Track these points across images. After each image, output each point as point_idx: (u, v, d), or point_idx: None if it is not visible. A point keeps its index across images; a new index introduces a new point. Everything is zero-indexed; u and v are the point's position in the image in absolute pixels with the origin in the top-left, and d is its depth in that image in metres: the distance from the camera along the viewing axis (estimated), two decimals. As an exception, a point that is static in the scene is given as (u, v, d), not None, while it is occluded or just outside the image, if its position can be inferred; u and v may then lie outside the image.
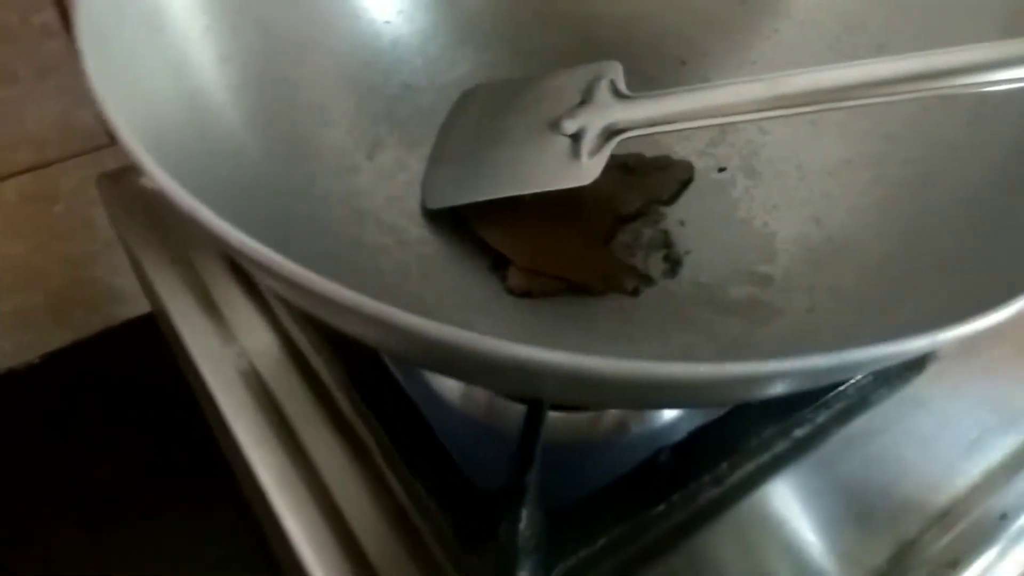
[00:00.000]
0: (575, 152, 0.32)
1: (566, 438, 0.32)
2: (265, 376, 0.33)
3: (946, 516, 0.30)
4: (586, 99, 0.33)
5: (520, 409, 0.28)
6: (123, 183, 0.41)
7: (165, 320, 0.37)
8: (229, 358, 0.33)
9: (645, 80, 0.40)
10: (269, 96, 0.33)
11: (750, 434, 0.31)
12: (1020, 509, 0.30)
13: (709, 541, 0.29)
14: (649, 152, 0.38)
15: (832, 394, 0.32)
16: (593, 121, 0.32)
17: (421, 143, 0.38)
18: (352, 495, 0.29)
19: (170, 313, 0.35)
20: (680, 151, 0.38)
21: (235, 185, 0.28)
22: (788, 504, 0.30)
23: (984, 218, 0.27)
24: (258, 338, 0.34)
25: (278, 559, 0.40)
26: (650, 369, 0.15)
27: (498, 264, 0.34)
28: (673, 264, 0.34)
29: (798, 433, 0.32)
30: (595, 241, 0.35)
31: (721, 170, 0.37)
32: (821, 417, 0.32)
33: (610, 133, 0.31)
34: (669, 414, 0.33)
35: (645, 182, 0.37)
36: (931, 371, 0.34)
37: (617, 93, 0.33)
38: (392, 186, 0.36)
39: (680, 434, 0.30)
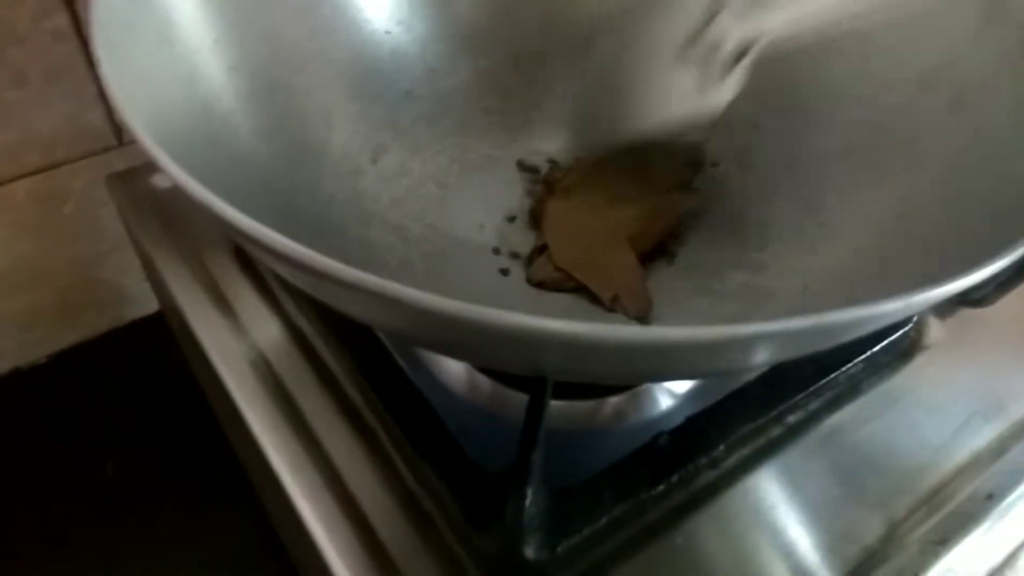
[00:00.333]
0: (705, 76, 0.30)
1: (569, 425, 0.33)
2: (276, 367, 0.34)
3: (935, 497, 0.31)
4: (711, 17, 0.30)
5: (523, 397, 0.29)
6: (133, 182, 0.42)
7: (176, 316, 0.38)
8: (241, 351, 0.34)
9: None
10: (276, 104, 0.34)
11: (745, 420, 0.32)
12: (1006, 489, 0.31)
13: (706, 520, 0.30)
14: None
15: (823, 382, 0.33)
16: (727, 36, 0.29)
17: (423, 148, 0.39)
18: (363, 480, 0.30)
19: (182, 309, 0.36)
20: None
21: (245, 187, 0.29)
22: (782, 486, 0.31)
23: (965, 195, 0.28)
24: (268, 331, 0.35)
25: (288, 550, 0.40)
26: (643, 334, 0.16)
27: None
28: (671, 255, 0.35)
29: (791, 419, 0.33)
30: (628, 250, 0.35)
31: (714, 165, 0.38)
32: (813, 404, 0.33)
33: (744, 47, 0.29)
34: (667, 401, 0.34)
35: (658, 168, 0.38)
36: (919, 360, 0.36)
37: (743, 8, 0.30)
38: (396, 188, 0.37)
39: (678, 420, 0.31)
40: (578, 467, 0.30)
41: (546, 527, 0.27)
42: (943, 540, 0.30)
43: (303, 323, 0.35)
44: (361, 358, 0.33)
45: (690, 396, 0.34)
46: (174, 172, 0.20)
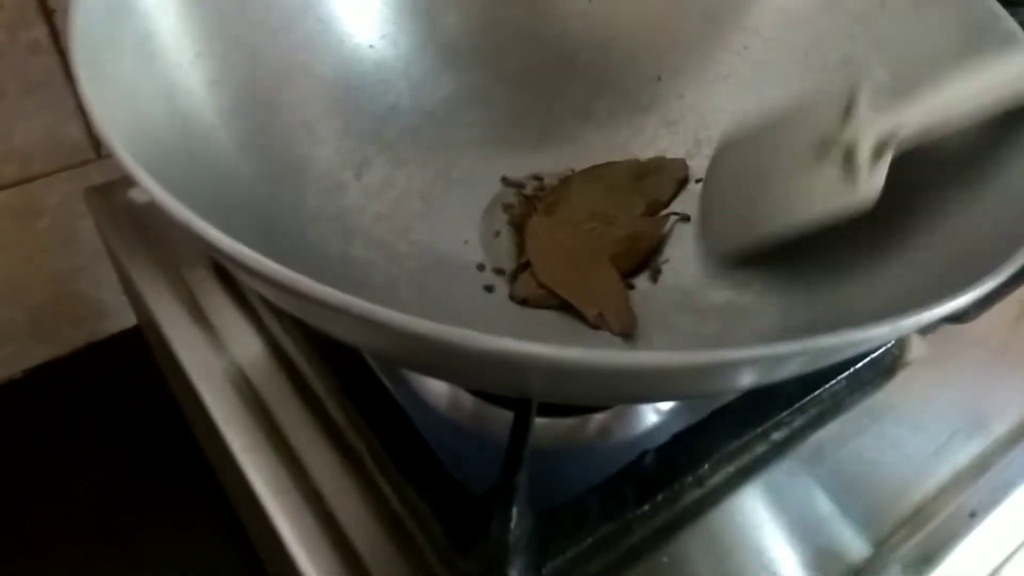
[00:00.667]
0: (849, 172, 0.30)
1: (553, 443, 0.33)
2: (256, 384, 0.33)
3: (918, 515, 0.31)
4: (845, 119, 0.31)
5: (507, 415, 0.29)
6: (112, 196, 0.41)
7: (154, 331, 0.37)
8: (220, 367, 0.34)
9: (624, 97, 0.41)
10: (258, 119, 0.34)
11: (730, 437, 0.32)
12: (988, 507, 0.31)
13: (691, 540, 0.29)
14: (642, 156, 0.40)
15: (808, 399, 0.33)
16: (863, 136, 0.30)
17: (408, 162, 0.39)
18: (344, 500, 0.29)
19: (160, 324, 0.36)
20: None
21: (226, 204, 0.29)
22: (766, 504, 0.31)
23: (945, 218, 0.29)
24: (248, 347, 0.35)
25: (266, 567, 0.40)
26: (631, 359, 0.16)
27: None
28: (654, 272, 0.35)
29: (776, 436, 0.33)
30: (611, 268, 0.35)
31: (698, 181, 0.38)
32: (798, 421, 0.33)
33: (882, 144, 0.30)
34: (652, 418, 0.34)
35: (643, 185, 0.38)
36: (901, 376, 0.36)
37: (875, 106, 0.30)
38: (380, 204, 0.37)
39: (663, 437, 0.31)
40: (562, 486, 0.29)
41: (531, 548, 0.27)
42: (926, 558, 0.30)
43: (284, 339, 0.35)
44: (343, 375, 0.32)
45: (675, 412, 0.34)
46: (153, 189, 0.20)
